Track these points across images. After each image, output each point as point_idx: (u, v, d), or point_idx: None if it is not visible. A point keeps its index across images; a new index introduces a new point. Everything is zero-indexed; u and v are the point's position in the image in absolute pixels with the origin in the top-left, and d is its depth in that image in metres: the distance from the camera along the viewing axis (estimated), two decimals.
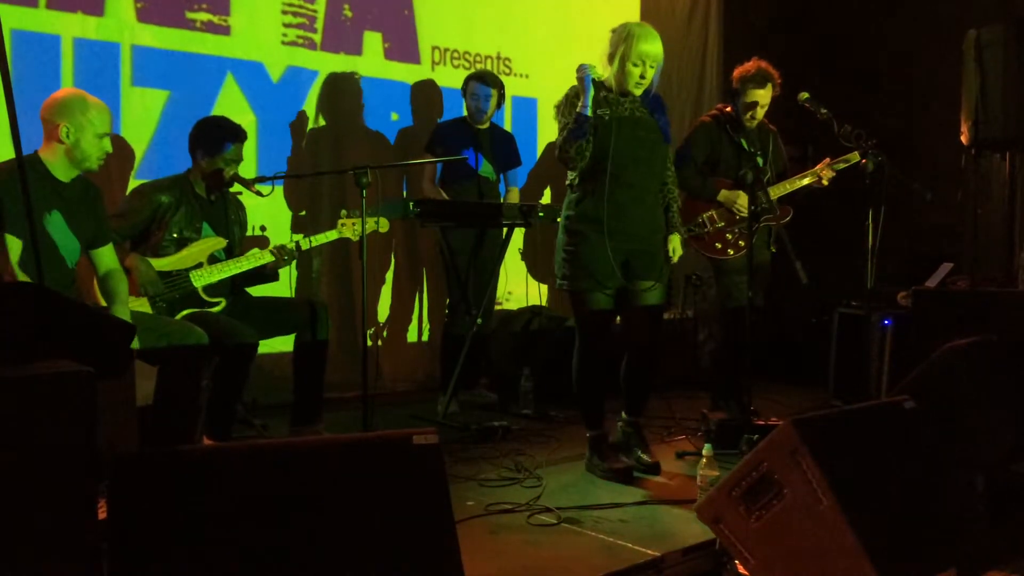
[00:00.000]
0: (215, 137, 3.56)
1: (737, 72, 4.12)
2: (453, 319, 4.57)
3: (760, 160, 3.98)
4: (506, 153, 4.72)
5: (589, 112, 3.20)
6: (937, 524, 2.30)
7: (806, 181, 4.13)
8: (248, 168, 4.35)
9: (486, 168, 4.59)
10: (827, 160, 4.11)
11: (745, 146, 3.87)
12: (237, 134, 3.61)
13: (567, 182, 3.43)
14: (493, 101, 4.53)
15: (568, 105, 3.31)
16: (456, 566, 1.85)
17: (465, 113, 4.63)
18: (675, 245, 3.46)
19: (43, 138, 2.99)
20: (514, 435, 3.96)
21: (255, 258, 3.62)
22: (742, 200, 3.97)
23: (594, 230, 3.28)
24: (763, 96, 4.06)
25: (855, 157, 3.97)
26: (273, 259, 3.64)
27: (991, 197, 4.79)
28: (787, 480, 2.16)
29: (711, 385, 4.41)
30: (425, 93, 5.10)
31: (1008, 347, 3.23)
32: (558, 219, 4.32)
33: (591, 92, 3.21)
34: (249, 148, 4.45)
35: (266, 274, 3.72)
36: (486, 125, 4.61)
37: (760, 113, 4.10)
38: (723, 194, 4.07)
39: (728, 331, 4.18)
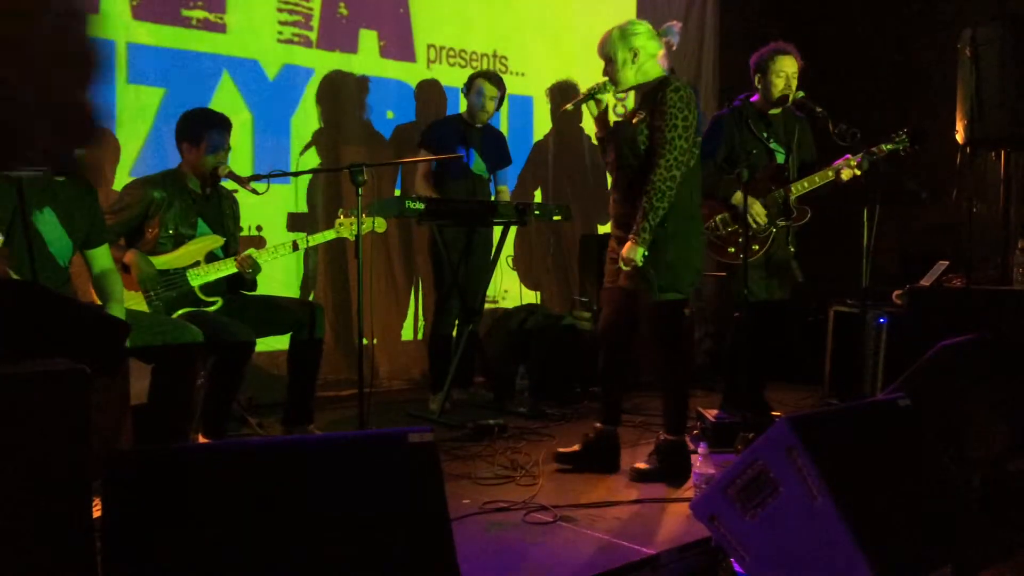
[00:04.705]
0: (197, 126, 3.55)
1: (755, 55, 3.93)
2: (440, 318, 4.56)
3: (781, 156, 3.94)
4: (498, 152, 4.70)
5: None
6: (932, 522, 2.30)
7: (828, 178, 3.86)
8: (244, 166, 4.34)
9: (479, 166, 4.58)
10: (847, 156, 3.85)
11: (764, 136, 3.80)
12: (218, 121, 3.58)
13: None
14: (495, 102, 4.52)
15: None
16: (451, 564, 1.85)
17: (463, 110, 4.62)
18: (626, 252, 3.15)
19: None
20: (510, 433, 3.96)
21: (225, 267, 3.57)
22: (757, 208, 3.82)
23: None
24: (790, 64, 3.85)
25: (883, 149, 3.81)
26: (237, 270, 3.58)
27: (986, 195, 4.79)
28: (782, 477, 2.16)
29: (724, 387, 4.23)
30: (427, 92, 5.10)
31: (1003, 345, 3.24)
32: (555, 217, 4.38)
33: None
34: (245, 146, 4.45)
35: (244, 280, 3.65)
36: (482, 124, 4.60)
37: (793, 84, 3.86)
38: (737, 197, 3.82)
39: (742, 331, 3.90)
